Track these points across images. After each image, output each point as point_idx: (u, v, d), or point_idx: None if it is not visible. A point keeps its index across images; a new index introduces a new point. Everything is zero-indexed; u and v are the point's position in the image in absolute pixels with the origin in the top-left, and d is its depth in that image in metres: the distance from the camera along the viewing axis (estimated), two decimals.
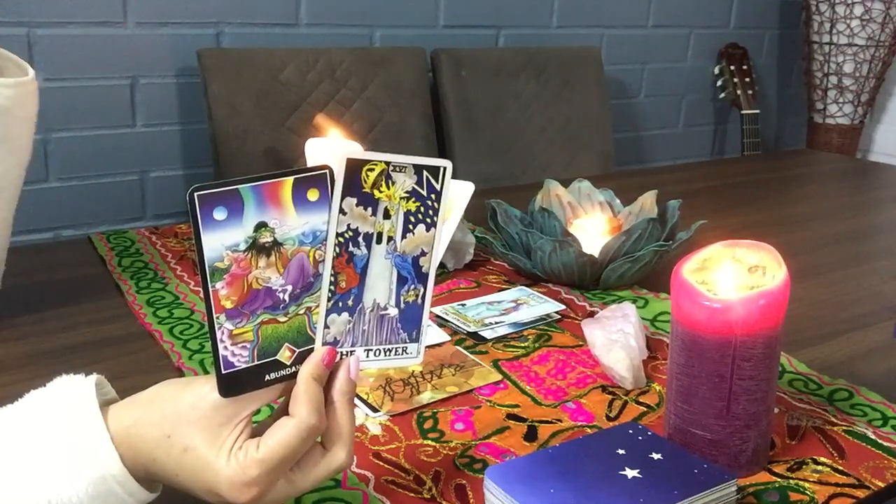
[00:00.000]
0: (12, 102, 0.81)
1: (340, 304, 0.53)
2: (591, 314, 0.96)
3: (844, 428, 0.73)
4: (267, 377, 0.51)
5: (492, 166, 2.03)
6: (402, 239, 0.54)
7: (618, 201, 1.18)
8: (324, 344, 0.52)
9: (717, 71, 2.66)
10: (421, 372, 0.81)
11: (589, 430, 0.73)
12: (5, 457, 0.49)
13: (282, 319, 0.51)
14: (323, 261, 0.51)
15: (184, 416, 0.50)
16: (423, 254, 0.55)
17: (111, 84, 1.72)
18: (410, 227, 0.54)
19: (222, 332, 0.49)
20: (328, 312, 0.52)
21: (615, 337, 0.83)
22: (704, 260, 0.68)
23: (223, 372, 0.49)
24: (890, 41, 2.59)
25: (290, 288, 0.51)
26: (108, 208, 1.78)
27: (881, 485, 0.65)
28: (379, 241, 0.53)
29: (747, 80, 2.61)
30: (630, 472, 0.59)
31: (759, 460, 0.67)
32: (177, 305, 0.97)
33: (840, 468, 0.67)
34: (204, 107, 1.74)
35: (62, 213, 1.69)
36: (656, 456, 0.61)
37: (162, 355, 0.85)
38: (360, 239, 0.52)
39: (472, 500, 0.63)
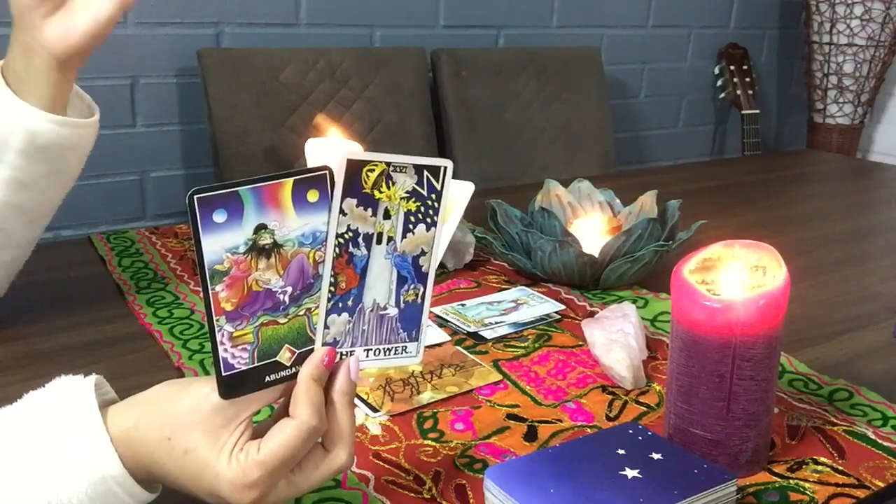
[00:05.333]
0: (82, 140, 0.84)
1: (340, 304, 0.53)
2: (591, 314, 0.96)
3: (844, 428, 0.73)
4: (267, 378, 0.51)
5: (492, 166, 2.03)
6: (402, 239, 0.54)
7: (618, 201, 1.18)
8: (323, 344, 0.53)
9: (717, 71, 2.66)
10: (421, 372, 0.81)
11: (589, 430, 0.73)
12: (4, 458, 0.49)
13: (282, 321, 0.51)
14: (323, 262, 0.51)
15: (184, 418, 0.50)
16: (423, 253, 0.55)
17: (111, 84, 1.72)
18: (410, 227, 0.54)
19: (222, 335, 0.49)
20: (328, 313, 0.52)
21: (615, 337, 0.83)
22: (704, 260, 0.68)
23: (223, 374, 0.49)
24: (890, 41, 2.59)
25: (289, 289, 0.51)
26: (108, 208, 1.78)
27: (881, 485, 0.65)
28: (379, 242, 0.53)
29: (747, 80, 2.61)
30: (630, 472, 0.59)
31: (759, 460, 0.67)
32: (177, 305, 0.97)
33: (840, 468, 0.67)
34: (204, 107, 1.74)
35: (62, 213, 1.68)
36: (656, 456, 0.61)
37: (162, 355, 0.85)
38: (360, 239, 0.52)
39: (472, 500, 0.63)
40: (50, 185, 0.84)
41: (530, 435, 0.72)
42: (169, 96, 1.81)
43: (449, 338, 0.90)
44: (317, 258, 0.51)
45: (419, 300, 0.55)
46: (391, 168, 0.51)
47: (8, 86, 0.79)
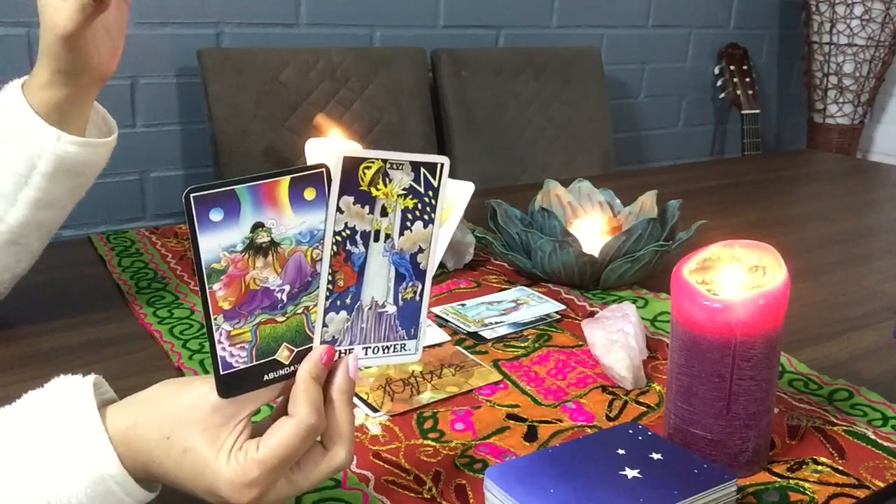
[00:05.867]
0: (101, 158, 0.87)
1: (338, 302, 0.52)
2: (591, 314, 0.96)
3: (844, 428, 0.73)
4: (266, 377, 0.51)
5: (492, 166, 2.03)
6: (399, 236, 0.53)
7: (618, 201, 1.18)
8: (322, 343, 0.52)
9: (717, 71, 2.66)
10: (421, 372, 0.81)
11: (589, 430, 0.73)
12: (4, 458, 0.49)
13: (280, 319, 0.51)
14: (320, 260, 0.51)
15: (183, 417, 0.50)
16: (421, 251, 0.55)
17: (111, 84, 1.70)
18: (408, 224, 0.53)
19: (220, 334, 0.49)
20: (326, 311, 0.52)
21: (615, 337, 0.83)
22: (704, 260, 0.68)
23: (222, 373, 0.49)
24: (890, 41, 2.59)
25: (287, 287, 0.51)
26: (108, 208, 1.78)
27: (881, 485, 0.65)
28: (377, 239, 0.53)
29: (747, 80, 2.61)
30: (630, 472, 0.59)
31: (759, 460, 0.67)
32: (177, 305, 0.97)
33: (840, 468, 0.67)
34: (204, 107, 1.74)
35: None
36: (656, 456, 0.61)
37: (162, 355, 0.85)
38: (358, 237, 0.52)
39: (472, 500, 0.63)
40: (69, 200, 0.86)
41: (530, 435, 0.72)
42: (169, 96, 1.81)
43: (449, 338, 0.90)
44: (314, 256, 0.51)
45: (418, 298, 0.55)
46: (388, 165, 0.51)
47: (31, 107, 0.79)
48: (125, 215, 1.81)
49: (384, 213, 0.52)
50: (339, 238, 0.51)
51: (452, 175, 0.54)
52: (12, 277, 0.88)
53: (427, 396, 0.77)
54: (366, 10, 1.99)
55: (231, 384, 0.49)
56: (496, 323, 0.93)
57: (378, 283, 0.54)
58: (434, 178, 0.53)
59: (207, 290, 0.48)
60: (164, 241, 1.20)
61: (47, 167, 0.80)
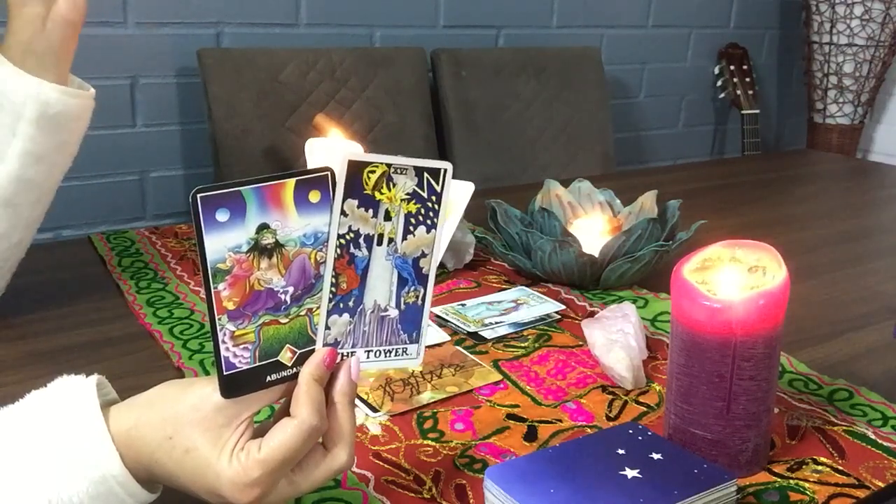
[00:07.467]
0: (84, 112, 0.87)
1: (341, 305, 0.53)
2: (591, 314, 0.96)
3: (844, 428, 0.73)
4: (268, 378, 0.51)
5: (492, 166, 2.03)
6: (402, 240, 0.54)
7: (618, 201, 1.18)
8: (325, 345, 0.53)
9: (717, 71, 2.66)
10: (421, 372, 0.81)
11: (589, 430, 0.73)
12: (6, 457, 0.49)
13: (283, 321, 0.51)
14: (324, 262, 0.51)
15: (185, 418, 0.50)
16: (424, 255, 0.55)
17: (111, 84, 1.72)
18: (411, 228, 0.54)
19: (224, 333, 0.49)
20: (329, 313, 0.52)
21: (615, 337, 0.83)
22: (704, 260, 0.68)
23: (225, 373, 0.49)
24: (890, 41, 2.59)
25: (291, 289, 0.51)
26: (108, 208, 1.78)
27: (881, 485, 0.65)
28: (380, 243, 0.53)
29: (747, 80, 2.61)
30: (630, 472, 0.59)
31: (759, 460, 0.67)
32: (177, 305, 0.97)
33: (840, 468, 0.67)
34: (204, 107, 1.74)
35: (62, 213, 1.69)
36: (656, 456, 0.62)
37: (162, 355, 0.85)
38: (361, 240, 0.52)
39: (472, 500, 0.63)
40: (57, 159, 0.87)
41: (530, 435, 0.72)
42: (169, 96, 1.81)
43: (449, 338, 0.90)
44: (318, 258, 0.51)
45: (419, 302, 0.56)
46: (392, 170, 0.51)
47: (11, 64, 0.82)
48: (125, 215, 1.81)
49: (388, 217, 0.53)
50: (342, 241, 0.51)
51: (452, 175, 0.54)
52: (8, 249, 0.88)
53: (427, 396, 0.77)
54: (366, 10, 1.99)
55: (234, 384, 0.49)
56: (496, 323, 0.93)
57: (381, 286, 0.54)
58: (437, 183, 0.53)
59: (212, 290, 0.48)
60: (164, 241, 1.20)
61: (32, 114, 0.82)
